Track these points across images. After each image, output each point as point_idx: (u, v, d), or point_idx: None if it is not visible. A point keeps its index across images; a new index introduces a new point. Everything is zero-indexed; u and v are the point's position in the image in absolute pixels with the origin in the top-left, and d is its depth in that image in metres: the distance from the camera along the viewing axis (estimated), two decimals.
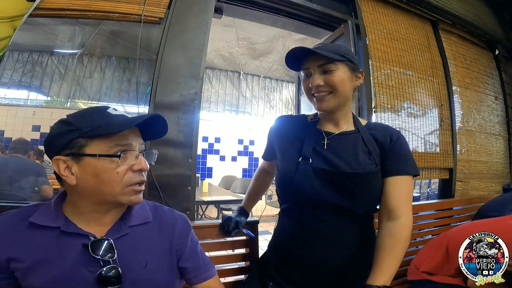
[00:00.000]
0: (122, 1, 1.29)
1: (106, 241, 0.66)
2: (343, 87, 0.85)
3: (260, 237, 1.24)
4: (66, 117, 0.67)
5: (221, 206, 3.60)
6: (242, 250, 1.24)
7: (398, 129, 0.95)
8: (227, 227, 1.12)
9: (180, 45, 1.34)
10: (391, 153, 0.86)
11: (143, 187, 0.70)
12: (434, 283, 1.18)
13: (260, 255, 1.23)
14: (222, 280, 1.16)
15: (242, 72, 5.26)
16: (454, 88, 2.29)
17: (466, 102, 2.37)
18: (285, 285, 0.89)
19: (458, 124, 2.26)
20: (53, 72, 3.54)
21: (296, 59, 0.89)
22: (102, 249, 0.65)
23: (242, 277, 1.21)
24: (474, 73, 2.50)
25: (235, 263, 1.23)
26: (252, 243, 1.22)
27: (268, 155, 1.11)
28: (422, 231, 1.72)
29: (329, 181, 0.84)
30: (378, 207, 0.88)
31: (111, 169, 0.64)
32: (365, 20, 1.94)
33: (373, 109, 1.81)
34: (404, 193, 0.83)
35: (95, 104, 2.84)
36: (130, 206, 0.74)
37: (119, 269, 0.66)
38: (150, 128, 0.74)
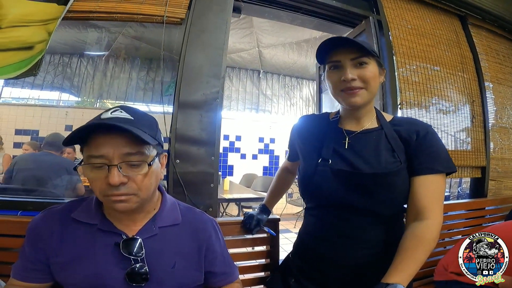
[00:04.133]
0: (145, 2, 1.33)
1: (136, 240, 0.69)
2: (375, 82, 0.82)
3: (280, 235, 1.24)
4: None
5: (242, 204, 3.63)
6: (263, 248, 1.25)
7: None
8: (248, 224, 1.13)
9: (202, 45, 1.36)
10: (418, 151, 0.81)
11: (124, 197, 0.63)
12: (463, 284, 1.12)
13: (280, 253, 1.23)
14: (242, 277, 1.17)
15: (262, 71, 5.27)
16: (486, 84, 2.17)
17: (499, 98, 2.25)
18: (307, 283, 0.88)
19: (491, 121, 2.14)
20: (83, 73, 3.72)
21: (322, 51, 0.85)
22: (132, 247, 0.68)
23: (262, 274, 1.22)
24: (508, 68, 2.38)
25: (256, 261, 1.24)
26: (273, 241, 1.23)
27: (292, 156, 1.09)
28: (451, 231, 1.66)
29: (349, 182, 0.81)
30: (405, 206, 0.85)
31: (90, 178, 0.64)
32: (387, 16, 1.89)
33: (399, 106, 1.75)
34: (433, 193, 0.78)
35: (121, 103, 2.96)
36: (161, 207, 0.76)
37: (146, 268, 0.68)
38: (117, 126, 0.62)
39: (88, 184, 0.68)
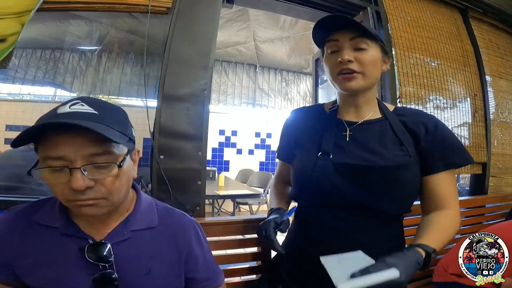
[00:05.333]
0: None
1: (103, 245, 0.62)
2: (374, 69, 0.77)
3: None
4: None
5: (238, 200, 3.58)
6: (254, 249, 1.19)
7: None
8: (266, 231, 0.85)
9: (189, 35, 1.29)
10: (431, 146, 0.76)
11: (92, 202, 0.56)
12: (463, 286, 1.08)
13: (272, 255, 1.17)
14: (232, 279, 1.12)
15: (258, 65, 5.20)
16: (487, 78, 2.13)
17: (500, 92, 2.21)
18: None
19: (492, 116, 2.10)
20: (75, 68, 3.64)
21: (323, 32, 0.79)
22: (100, 253, 0.61)
23: (253, 276, 1.17)
24: (509, 62, 2.34)
25: (246, 263, 1.19)
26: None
27: (283, 153, 0.97)
28: None
29: (353, 177, 0.75)
30: (410, 206, 0.80)
31: (49, 182, 0.55)
32: (386, 7, 1.83)
33: (398, 99, 1.70)
34: (450, 187, 0.77)
35: (114, 98, 2.92)
36: (135, 209, 0.69)
37: (115, 274, 0.62)
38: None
39: None
